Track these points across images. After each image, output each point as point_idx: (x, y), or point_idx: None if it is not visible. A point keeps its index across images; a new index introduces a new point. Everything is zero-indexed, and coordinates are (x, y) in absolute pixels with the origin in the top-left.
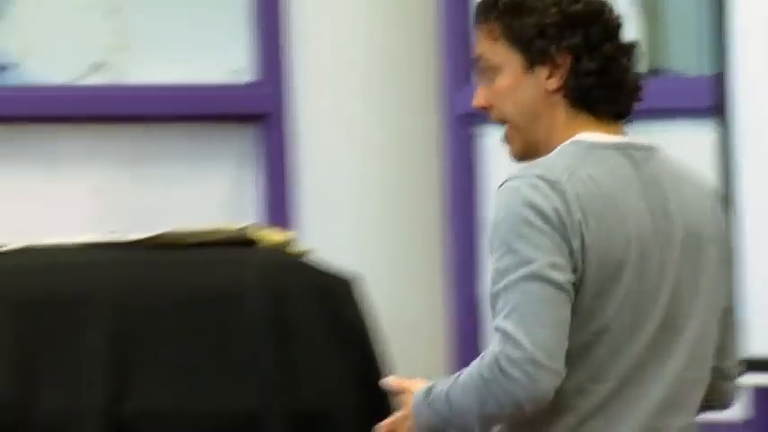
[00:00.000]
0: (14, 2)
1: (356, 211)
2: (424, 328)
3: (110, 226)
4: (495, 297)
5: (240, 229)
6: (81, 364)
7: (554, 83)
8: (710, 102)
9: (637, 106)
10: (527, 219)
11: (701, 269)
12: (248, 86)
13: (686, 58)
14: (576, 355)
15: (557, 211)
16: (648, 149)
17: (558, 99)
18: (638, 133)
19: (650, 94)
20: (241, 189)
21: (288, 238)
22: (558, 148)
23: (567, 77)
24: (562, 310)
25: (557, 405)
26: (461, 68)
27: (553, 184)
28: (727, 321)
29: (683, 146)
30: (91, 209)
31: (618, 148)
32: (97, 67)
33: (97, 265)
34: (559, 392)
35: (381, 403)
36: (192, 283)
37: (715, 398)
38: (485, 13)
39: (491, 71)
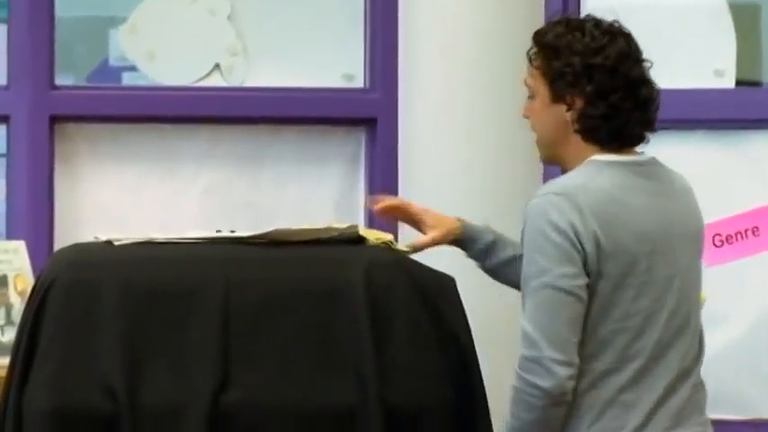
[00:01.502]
0: (138, 6)
1: (461, 213)
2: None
3: (222, 224)
4: (523, 299)
5: (348, 228)
6: (188, 357)
7: (569, 118)
8: None
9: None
10: (545, 233)
11: (691, 262)
12: (360, 91)
13: None
14: (605, 341)
15: (571, 223)
16: (651, 164)
17: (573, 131)
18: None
19: (746, 105)
20: (350, 190)
21: (392, 238)
22: (576, 168)
23: (579, 117)
24: (571, 311)
25: (593, 383)
26: None
27: (570, 199)
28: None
29: None
30: (205, 207)
31: (625, 164)
32: (214, 71)
33: (208, 260)
34: (593, 373)
35: (477, 402)
36: (298, 278)
37: None
38: (534, 45)
39: (531, 92)
